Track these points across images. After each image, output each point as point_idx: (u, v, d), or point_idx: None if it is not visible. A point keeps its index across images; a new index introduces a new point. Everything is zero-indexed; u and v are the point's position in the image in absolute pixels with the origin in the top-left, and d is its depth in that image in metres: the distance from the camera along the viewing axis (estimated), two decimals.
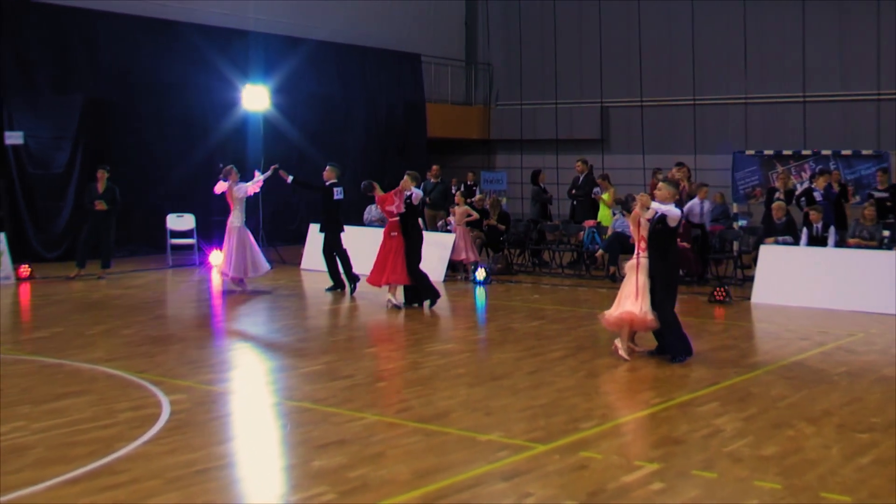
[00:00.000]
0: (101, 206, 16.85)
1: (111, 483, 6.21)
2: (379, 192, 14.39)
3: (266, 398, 8.89)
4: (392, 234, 13.95)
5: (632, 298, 10.05)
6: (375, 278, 13.94)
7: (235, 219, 15.43)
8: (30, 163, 19.26)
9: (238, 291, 15.47)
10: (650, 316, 9.99)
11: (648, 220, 10.12)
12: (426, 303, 13.88)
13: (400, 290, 14.01)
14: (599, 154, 25.63)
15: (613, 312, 10.21)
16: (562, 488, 6.21)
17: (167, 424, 7.64)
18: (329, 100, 24.63)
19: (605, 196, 18.98)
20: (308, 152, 22.60)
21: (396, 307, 13.76)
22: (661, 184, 10.33)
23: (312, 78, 24.18)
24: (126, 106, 20.43)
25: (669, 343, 10.13)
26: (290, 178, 15.80)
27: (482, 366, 10.13)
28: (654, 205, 10.01)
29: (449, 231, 18.20)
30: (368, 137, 25.61)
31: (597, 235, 18.00)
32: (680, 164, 18.94)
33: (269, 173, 15.74)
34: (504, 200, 25.30)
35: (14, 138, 18.91)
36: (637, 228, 10.25)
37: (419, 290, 13.90)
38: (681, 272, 16.22)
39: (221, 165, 15.42)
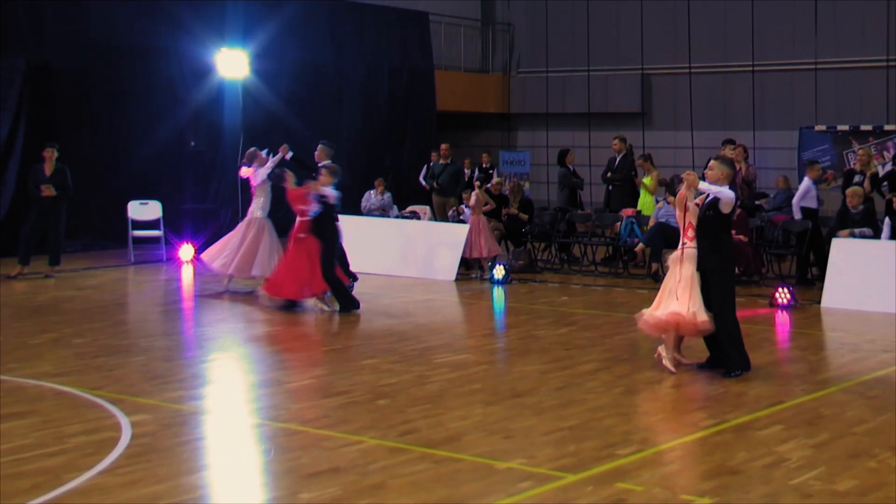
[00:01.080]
0: (48, 191, 16.85)
1: None
2: (291, 186, 14.31)
3: (246, 419, 8.87)
4: (300, 235, 13.93)
5: (677, 296, 10.00)
6: (294, 291, 13.97)
7: (257, 208, 15.49)
8: None
9: (219, 291, 15.50)
10: (701, 317, 9.90)
11: (697, 204, 10.07)
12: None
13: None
14: (640, 130, 25.59)
15: (655, 313, 10.17)
16: None
17: (127, 451, 7.62)
18: (319, 67, 24.63)
19: (646, 180, 18.95)
20: (295, 128, 22.59)
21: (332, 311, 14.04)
22: (713, 162, 10.28)
23: (300, 41, 24.17)
24: (77, 73, 20.45)
25: (726, 353, 10.08)
26: (289, 154, 15.77)
27: (501, 380, 10.10)
28: (704, 185, 9.95)
29: (461, 221, 18.19)
30: (366, 111, 25.61)
31: (636, 227, 17.97)
32: (730, 142, 18.89)
33: (279, 156, 15.61)
34: (526, 185, 25.34)
35: None
36: (683, 214, 10.20)
37: (337, 297, 13.98)
38: (736, 270, 16.19)
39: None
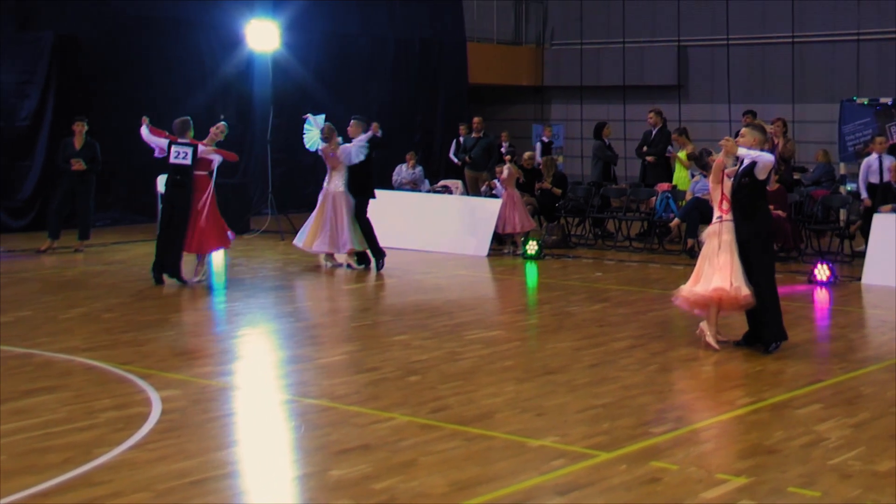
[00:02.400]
0: (78, 165, 16.96)
1: (88, 497, 6.25)
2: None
3: (275, 395, 8.92)
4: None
5: (717, 270, 9.90)
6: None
7: (338, 183, 15.46)
8: None
9: (328, 266, 15.63)
10: (744, 291, 9.79)
11: (729, 175, 9.95)
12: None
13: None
14: (676, 103, 25.44)
15: (694, 289, 10.05)
16: None
17: (157, 426, 7.67)
18: (350, 38, 24.61)
19: (681, 154, 18.86)
20: (324, 101, 22.56)
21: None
22: (744, 129, 10.16)
23: (330, 12, 24.15)
24: (106, 45, 20.52)
25: (766, 326, 9.98)
26: (379, 132, 15.63)
27: (533, 357, 10.11)
28: (742, 150, 9.80)
29: (494, 196, 18.16)
30: (397, 84, 25.58)
31: (672, 201, 17.90)
32: (750, 113, 18.73)
33: (370, 133, 15.43)
34: (560, 159, 25.22)
35: None
36: (719, 185, 10.07)
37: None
38: (774, 246, 16.10)
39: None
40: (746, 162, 9.84)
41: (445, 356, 10.04)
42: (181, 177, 13.97)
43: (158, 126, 14.70)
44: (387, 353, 10.20)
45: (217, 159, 14.34)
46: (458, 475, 6.63)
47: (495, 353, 10.20)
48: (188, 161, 13.92)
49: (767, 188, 15.91)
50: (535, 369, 9.52)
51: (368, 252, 15.53)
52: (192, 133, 14.20)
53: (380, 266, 15.35)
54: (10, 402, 8.31)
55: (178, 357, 9.96)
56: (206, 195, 14.19)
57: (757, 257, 9.91)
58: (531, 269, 15.97)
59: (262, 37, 20.39)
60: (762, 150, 9.97)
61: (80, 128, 17.17)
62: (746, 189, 9.89)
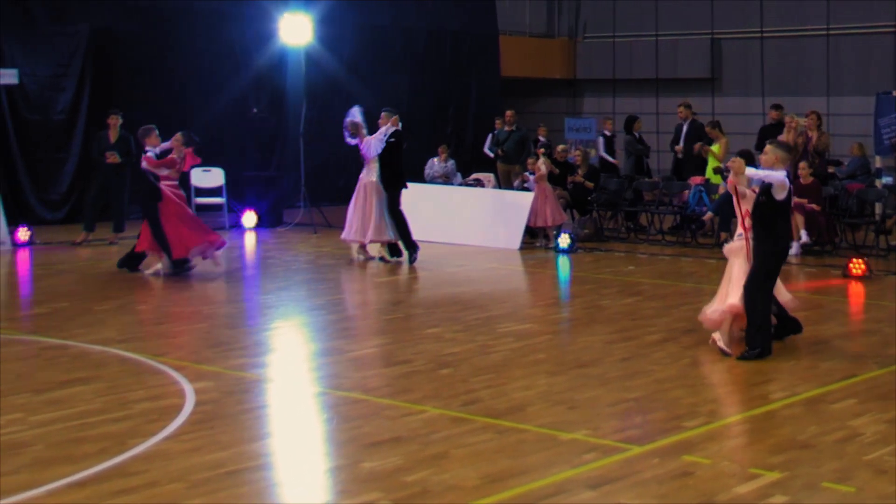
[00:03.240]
0: (113, 158, 17.06)
1: (124, 486, 6.30)
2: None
3: (308, 387, 8.95)
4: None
5: (736, 287, 9.68)
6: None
7: (372, 174, 15.49)
8: (26, 107, 19.56)
9: (361, 259, 15.66)
10: None
11: (754, 190, 9.71)
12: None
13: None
14: (709, 97, 25.30)
15: (716, 308, 9.83)
16: (661, 499, 6.16)
17: (191, 417, 7.72)
18: (382, 31, 24.61)
19: (714, 148, 18.74)
20: (356, 94, 22.61)
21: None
22: (768, 146, 9.79)
23: (362, 5, 24.16)
24: (140, 38, 20.61)
25: (748, 333, 9.62)
26: (399, 125, 15.63)
27: (565, 351, 10.10)
28: (751, 171, 9.54)
29: (527, 189, 18.13)
30: (429, 77, 25.55)
31: (705, 195, 17.79)
32: (777, 107, 18.58)
33: (389, 127, 15.37)
34: (592, 153, 25.11)
35: (7, 77, 19.20)
36: (738, 201, 9.88)
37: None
38: (809, 239, 16.01)
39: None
40: (755, 180, 9.56)
41: (477, 349, 10.04)
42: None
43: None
44: (419, 345, 10.21)
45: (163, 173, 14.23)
46: (489, 468, 6.64)
47: (527, 346, 10.20)
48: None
49: (802, 182, 15.87)
50: (567, 362, 9.51)
51: (401, 245, 15.55)
52: (159, 140, 14.29)
53: (412, 260, 15.37)
54: (46, 392, 8.38)
55: (211, 349, 10.02)
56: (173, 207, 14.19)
57: (758, 264, 9.57)
58: (563, 263, 15.94)
59: (295, 30, 20.43)
60: (785, 168, 9.62)
61: (115, 121, 17.29)
62: (765, 208, 9.57)
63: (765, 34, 25.06)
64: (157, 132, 14.28)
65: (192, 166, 14.89)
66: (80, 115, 19.88)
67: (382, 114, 15.56)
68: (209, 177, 19.94)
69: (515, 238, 17.18)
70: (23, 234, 16.89)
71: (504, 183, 20.46)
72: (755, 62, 25.25)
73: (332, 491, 6.43)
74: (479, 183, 21.19)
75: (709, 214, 17.26)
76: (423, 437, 7.29)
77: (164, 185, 14.04)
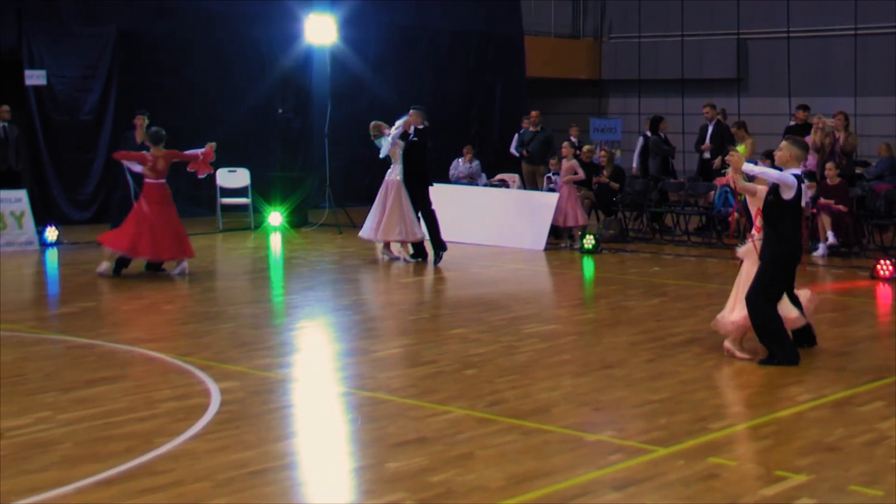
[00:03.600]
0: None
1: (150, 485, 6.33)
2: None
3: (332, 387, 8.97)
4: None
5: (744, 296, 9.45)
6: (174, 251, 14.09)
7: (395, 172, 15.54)
8: (54, 107, 19.69)
9: (389, 259, 15.69)
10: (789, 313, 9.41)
11: (741, 191, 9.50)
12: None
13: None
14: (735, 97, 25.19)
15: (730, 317, 9.66)
16: (686, 500, 6.15)
17: (216, 417, 7.75)
18: (406, 32, 24.63)
19: (739, 148, 18.60)
20: (381, 94, 22.68)
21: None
22: (783, 142, 9.47)
23: (387, 6, 24.19)
24: (167, 39, 20.71)
25: (765, 346, 9.40)
26: (411, 128, 15.63)
27: (590, 352, 10.08)
28: (748, 167, 9.25)
29: (552, 190, 18.12)
30: (454, 77, 25.53)
31: (731, 196, 17.72)
32: (803, 108, 18.49)
33: (400, 129, 15.36)
34: (618, 153, 25.07)
35: (35, 78, 19.33)
36: (748, 199, 9.70)
37: None
38: (836, 241, 15.93)
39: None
40: (756, 172, 9.30)
41: (502, 350, 10.03)
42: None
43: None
44: (444, 346, 10.22)
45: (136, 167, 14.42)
46: (514, 469, 6.63)
47: (552, 347, 10.19)
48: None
49: (829, 182, 15.77)
50: (593, 363, 9.50)
51: (427, 245, 15.57)
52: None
53: (437, 259, 15.36)
54: (73, 391, 8.44)
55: (236, 349, 10.05)
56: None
57: (762, 273, 9.29)
58: (588, 264, 15.92)
59: (320, 30, 20.47)
60: (799, 166, 9.33)
61: (142, 121, 17.32)
62: (773, 208, 9.28)
63: (792, 34, 24.93)
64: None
65: (204, 171, 14.77)
66: (107, 115, 19.98)
67: (411, 111, 15.57)
68: (235, 177, 20.01)
69: (540, 239, 17.16)
70: (51, 233, 16.98)
71: (529, 183, 20.45)
72: (782, 62, 25.12)
73: (356, 491, 6.44)
74: (503, 184, 21.18)
75: (735, 215, 17.20)
76: (448, 437, 7.29)
77: (146, 182, 14.05)
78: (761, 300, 9.23)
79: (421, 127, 15.45)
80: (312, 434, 7.65)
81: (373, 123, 15.81)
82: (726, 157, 9.52)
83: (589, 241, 16.69)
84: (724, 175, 9.98)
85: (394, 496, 6.19)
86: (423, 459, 6.81)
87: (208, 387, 8.56)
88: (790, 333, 9.45)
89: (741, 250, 9.85)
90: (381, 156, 15.53)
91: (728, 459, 6.83)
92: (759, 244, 9.46)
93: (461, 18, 25.85)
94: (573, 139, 21.29)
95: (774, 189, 9.22)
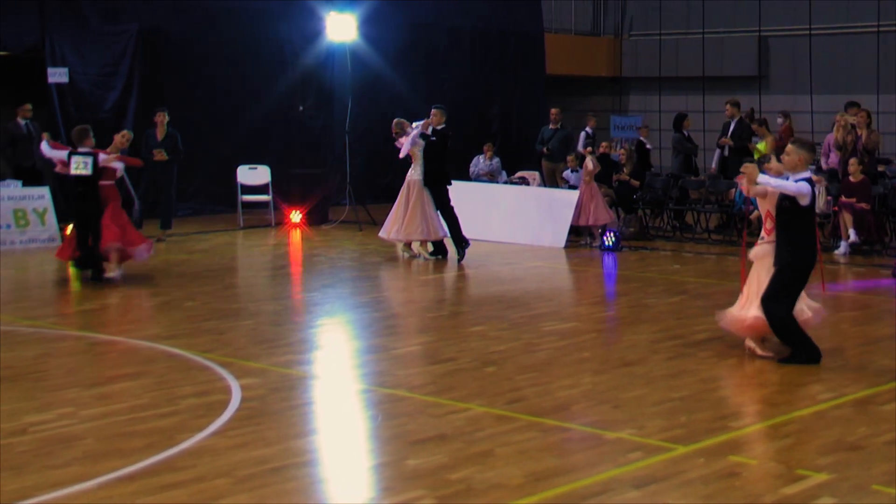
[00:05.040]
0: (160, 155, 17.20)
1: (172, 481, 6.35)
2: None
3: (353, 384, 8.98)
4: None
5: (758, 297, 9.37)
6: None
7: (415, 173, 15.55)
8: (75, 105, 19.77)
9: (410, 256, 15.71)
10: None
11: (755, 195, 9.42)
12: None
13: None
14: (756, 94, 25.10)
15: (741, 314, 9.59)
16: (707, 499, 6.13)
17: (237, 414, 7.77)
18: (426, 29, 24.62)
19: (760, 146, 18.62)
20: (401, 91, 22.69)
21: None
22: (789, 146, 9.31)
23: (406, 4, 24.18)
24: (187, 37, 20.76)
25: (793, 347, 9.35)
26: (429, 129, 15.57)
27: (610, 349, 10.07)
28: (763, 178, 9.12)
29: (572, 187, 18.10)
30: (474, 75, 25.51)
31: None
32: (853, 104, 18.43)
33: (418, 130, 15.31)
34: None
35: (57, 75, 19.43)
36: (762, 200, 9.54)
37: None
38: (858, 239, 15.86)
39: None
40: (773, 184, 9.13)
41: (522, 347, 10.03)
42: (83, 188, 13.32)
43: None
44: (463, 343, 10.22)
45: (120, 167, 13.78)
46: (534, 466, 6.63)
47: (572, 344, 10.18)
48: (89, 171, 13.25)
49: (852, 180, 15.69)
50: (612, 361, 9.49)
51: (447, 242, 15.57)
52: (93, 141, 13.54)
53: (461, 256, 15.33)
54: (96, 387, 8.48)
55: (257, 346, 10.07)
56: (110, 206, 13.59)
57: (778, 275, 9.20)
58: (608, 261, 15.89)
59: (341, 28, 20.50)
60: (807, 170, 9.24)
61: (162, 118, 17.42)
62: (788, 214, 9.19)
63: (813, 31, 24.82)
64: (91, 133, 13.58)
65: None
66: (128, 112, 20.05)
67: (434, 110, 15.56)
68: (255, 174, 20.06)
69: (561, 236, 17.14)
70: (72, 230, 17.00)
71: (549, 181, 20.43)
72: (803, 60, 25.02)
73: (376, 488, 6.46)
74: (524, 181, 21.16)
75: (756, 213, 17.15)
76: (468, 434, 7.29)
77: (102, 183, 13.49)
78: (776, 304, 9.17)
79: (440, 128, 15.43)
80: (332, 431, 7.66)
81: (396, 121, 15.83)
82: (741, 168, 9.38)
83: (609, 239, 16.65)
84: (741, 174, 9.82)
85: (413, 493, 6.19)
86: (442, 457, 6.81)
87: (229, 383, 8.59)
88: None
89: (754, 252, 9.69)
90: (401, 156, 15.55)
91: (749, 458, 6.82)
92: (768, 248, 9.38)
93: (482, 16, 25.81)
94: (589, 130, 21.25)
95: (790, 196, 9.12)
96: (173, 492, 6.17)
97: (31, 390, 8.35)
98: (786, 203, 9.15)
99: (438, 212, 15.54)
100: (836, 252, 15.90)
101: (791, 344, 9.33)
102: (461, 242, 15.44)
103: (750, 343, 9.66)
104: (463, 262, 15.29)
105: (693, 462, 6.73)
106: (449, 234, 15.54)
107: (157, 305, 12.13)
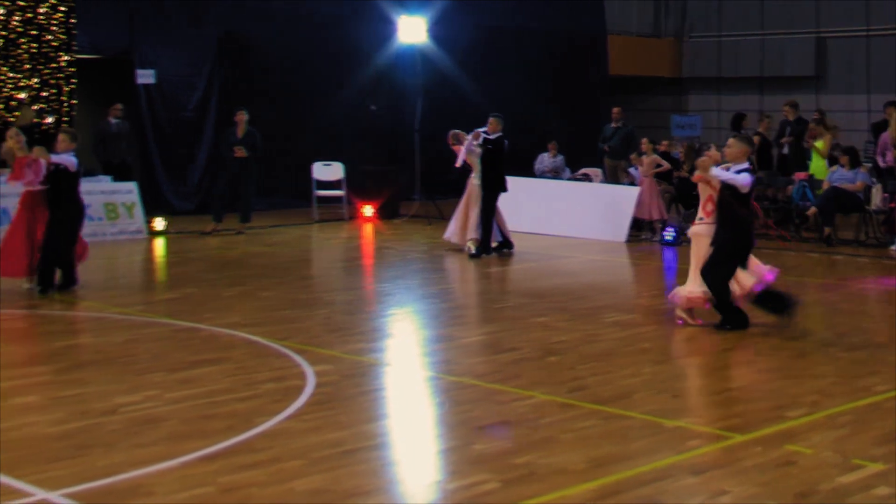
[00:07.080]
0: (240, 152, 17.37)
1: (250, 461, 6.41)
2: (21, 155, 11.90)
3: (421, 372, 9.00)
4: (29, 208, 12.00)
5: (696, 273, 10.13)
6: (14, 269, 11.97)
7: (474, 178, 15.56)
8: (162, 105, 20.03)
9: (470, 251, 15.68)
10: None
11: (696, 181, 10.18)
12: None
13: None
14: (813, 94, 24.76)
15: (684, 290, 10.32)
16: (763, 487, 6.06)
17: (311, 398, 7.82)
18: (494, 31, 24.56)
19: (818, 144, 18.37)
20: (470, 92, 22.63)
21: None
22: (731, 139, 10.30)
23: (476, 6, 24.14)
24: (266, 40, 20.93)
25: (717, 309, 10.10)
26: (480, 139, 15.56)
27: (670, 340, 9.99)
28: (715, 171, 9.86)
29: (632, 184, 17.98)
30: (540, 75, 25.39)
31: (808, 190, 17.44)
32: (892, 104, 18.10)
33: (471, 139, 15.32)
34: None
35: (145, 77, 19.68)
36: (705, 189, 10.18)
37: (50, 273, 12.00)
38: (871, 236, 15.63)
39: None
40: (724, 177, 9.86)
41: (584, 338, 9.99)
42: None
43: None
44: (527, 333, 10.19)
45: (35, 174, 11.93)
46: (595, 452, 6.60)
47: (633, 335, 10.11)
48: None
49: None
50: (672, 352, 9.42)
51: (508, 234, 15.49)
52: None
53: (476, 254, 15.04)
54: (178, 371, 8.58)
55: (331, 334, 10.13)
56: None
57: (717, 249, 9.94)
58: (669, 255, 15.76)
59: (412, 31, 20.54)
60: (744, 161, 10.04)
61: (242, 117, 17.60)
62: (728, 199, 9.91)
63: (871, 33, 24.42)
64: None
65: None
66: (209, 112, 20.29)
67: (491, 118, 15.47)
68: (329, 170, 20.18)
69: (622, 231, 17.04)
70: (158, 223, 17.28)
71: (611, 177, 20.30)
72: (860, 60, 24.63)
73: (443, 471, 6.46)
74: (586, 177, 21.04)
75: (812, 209, 16.93)
76: (532, 421, 7.27)
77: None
78: (713, 275, 9.91)
79: (496, 136, 15.29)
80: (402, 416, 7.68)
81: (451, 133, 15.82)
82: (697, 160, 10.33)
83: (670, 234, 16.51)
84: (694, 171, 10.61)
85: (478, 476, 6.19)
86: (506, 442, 6.80)
87: (304, 370, 8.64)
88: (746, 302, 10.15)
89: (693, 231, 10.43)
90: (457, 164, 15.50)
91: (805, 447, 6.72)
92: (705, 228, 10.11)
93: (547, 18, 25.69)
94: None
95: (730, 185, 9.91)
96: (251, 472, 6.23)
97: (121, 373, 8.47)
98: (726, 192, 9.91)
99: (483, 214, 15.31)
100: (892, 248, 15.62)
101: (723, 312, 10.01)
102: (486, 247, 15.23)
103: (680, 313, 10.33)
104: (512, 255, 15.20)
105: (750, 450, 6.65)
106: (501, 237, 15.44)
107: (236, 295, 12.24)
